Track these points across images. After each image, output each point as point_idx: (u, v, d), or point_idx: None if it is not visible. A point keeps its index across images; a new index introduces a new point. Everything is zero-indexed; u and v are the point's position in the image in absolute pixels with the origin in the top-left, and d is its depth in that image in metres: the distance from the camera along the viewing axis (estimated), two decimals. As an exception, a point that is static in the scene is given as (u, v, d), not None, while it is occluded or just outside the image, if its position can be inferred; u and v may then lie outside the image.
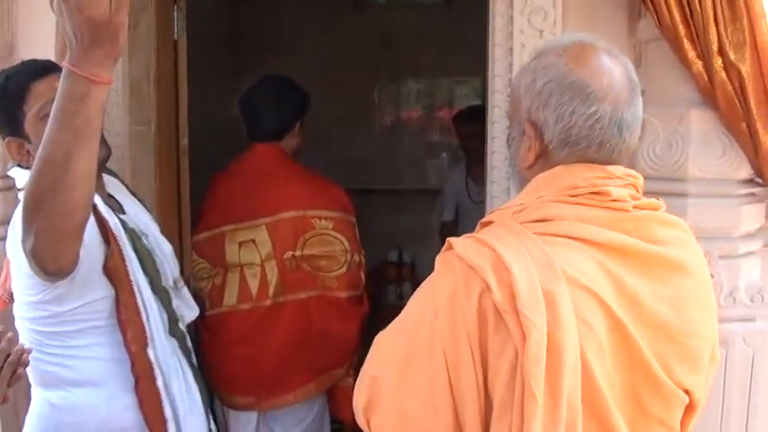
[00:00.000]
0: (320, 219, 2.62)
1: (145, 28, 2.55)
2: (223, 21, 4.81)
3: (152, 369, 1.73)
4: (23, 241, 1.40)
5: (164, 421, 1.74)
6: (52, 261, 1.42)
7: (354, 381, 2.66)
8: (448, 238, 1.15)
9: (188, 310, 2.05)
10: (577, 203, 1.13)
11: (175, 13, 2.75)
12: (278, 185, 2.62)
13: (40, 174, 1.29)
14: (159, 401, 1.74)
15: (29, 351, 1.46)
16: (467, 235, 1.17)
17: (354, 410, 1.15)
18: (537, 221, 1.13)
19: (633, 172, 1.19)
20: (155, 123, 2.50)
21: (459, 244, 1.12)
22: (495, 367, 1.03)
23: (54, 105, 1.23)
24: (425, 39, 5.23)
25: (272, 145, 2.68)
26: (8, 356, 1.43)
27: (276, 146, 2.69)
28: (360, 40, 5.28)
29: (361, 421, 1.14)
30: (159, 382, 1.74)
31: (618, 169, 1.17)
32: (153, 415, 1.73)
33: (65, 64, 1.18)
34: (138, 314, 1.72)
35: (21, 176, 1.69)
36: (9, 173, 1.80)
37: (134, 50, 2.46)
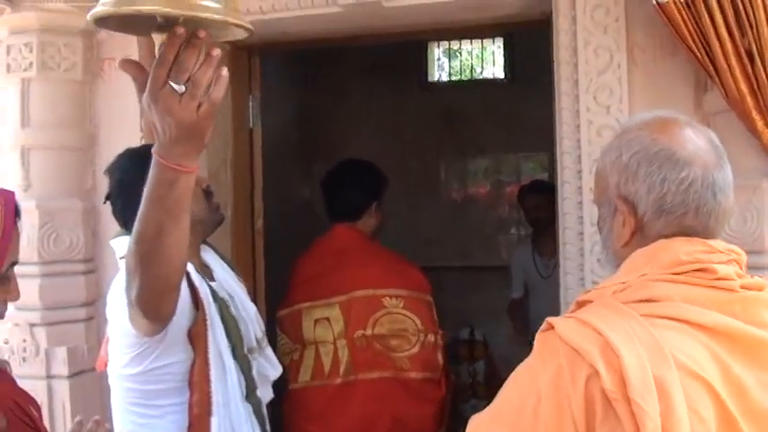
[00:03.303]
0: (390, 297, 2.63)
1: (221, 118, 2.68)
2: (294, 107, 4.99)
3: None
4: (128, 292, 1.53)
5: None
6: (152, 310, 1.58)
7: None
8: (547, 318, 1.11)
9: (272, 369, 2.11)
10: (683, 282, 1.09)
11: (251, 103, 2.89)
12: (353, 265, 2.64)
13: (137, 246, 1.40)
14: None
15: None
16: (566, 314, 1.14)
17: None
18: (642, 302, 1.09)
19: (735, 248, 1.16)
20: (231, 207, 2.60)
21: (561, 324, 1.08)
22: None
23: (146, 188, 1.31)
24: (490, 115, 5.30)
25: (349, 225, 2.73)
26: None
27: (353, 226, 2.73)
28: (425, 119, 5.39)
29: None
30: None
31: (719, 244, 1.14)
32: None
33: (154, 154, 1.26)
34: (208, 381, 1.78)
35: (120, 246, 1.82)
36: (111, 242, 1.95)
37: (211, 139, 2.53)
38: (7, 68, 2.51)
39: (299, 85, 5.12)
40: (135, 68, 1.14)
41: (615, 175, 1.18)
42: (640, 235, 1.17)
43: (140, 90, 1.12)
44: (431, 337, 2.66)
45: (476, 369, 4.71)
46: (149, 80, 1.10)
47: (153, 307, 1.56)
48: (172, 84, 1.09)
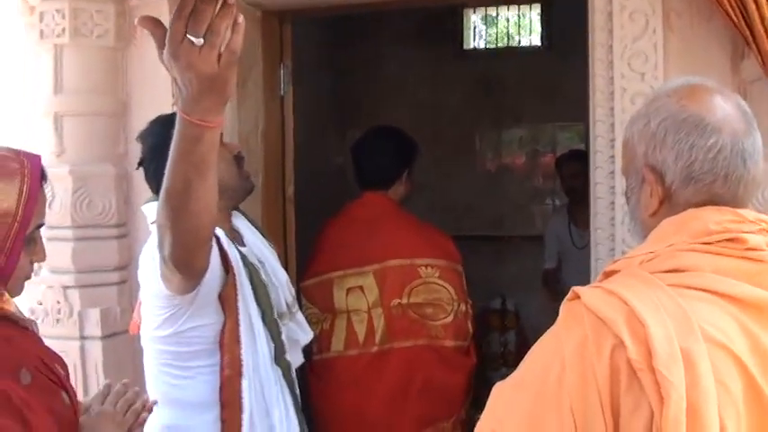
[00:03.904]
0: (426, 267, 2.63)
1: (253, 85, 2.68)
2: (327, 74, 4.97)
3: (240, 397, 1.82)
4: (160, 249, 1.56)
5: None
6: (185, 265, 1.60)
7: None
8: (573, 287, 1.10)
9: (303, 334, 2.16)
10: (712, 252, 1.07)
11: (282, 71, 2.88)
12: (386, 233, 2.64)
13: (166, 203, 1.42)
14: (240, 431, 1.81)
15: (154, 402, 1.61)
16: (593, 284, 1.12)
17: None
18: (670, 272, 1.06)
19: (766, 217, 1.12)
20: (262, 174, 2.61)
21: (587, 294, 1.07)
22: (627, 427, 0.96)
23: (172, 145, 1.32)
24: (527, 85, 5.22)
25: (380, 193, 2.72)
26: (132, 404, 1.56)
27: (384, 194, 2.73)
28: (461, 88, 5.33)
29: None
30: (245, 412, 1.81)
31: (749, 213, 1.11)
32: None
33: (177, 111, 1.26)
34: (238, 343, 1.82)
35: (152, 212, 1.84)
36: (142, 208, 1.98)
37: (243, 106, 2.59)
38: (40, 35, 2.52)
39: (334, 53, 5.09)
40: (153, 24, 1.13)
41: (643, 143, 1.16)
42: (668, 204, 1.14)
43: (160, 47, 1.12)
44: (463, 306, 2.68)
45: (507, 339, 4.71)
46: (168, 35, 1.09)
47: (185, 262, 1.59)
48: (190, 37, 1.08)
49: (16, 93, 2.75)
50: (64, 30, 2.49)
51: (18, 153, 1.35)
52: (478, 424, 1.11)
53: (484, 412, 1.11)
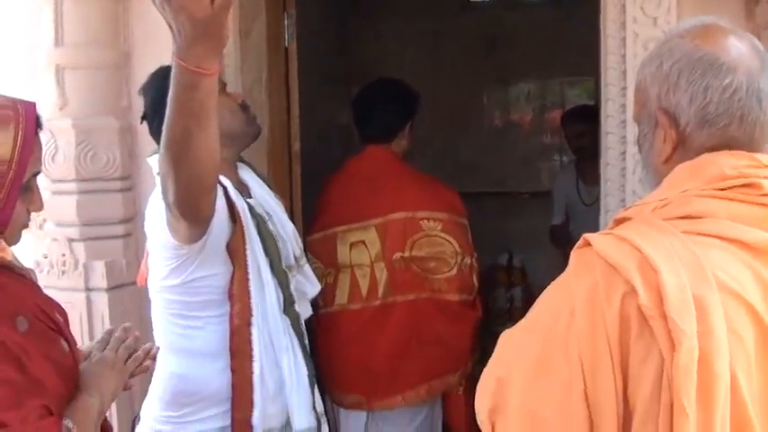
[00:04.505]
0: (428, 220, 2.61)
1: (256, 35, 2.63)
2: (331, 27, 4.90)
3: (250, 347, 1.83)
4: (165, 197, 1.57)
5: (250, 400, 1.83)
6: (190, 212, 1.61)
7: (465, 389, 2.65)
8: (584, 235, 1.08)
9: (310, 286, 2.17)
10: (727, 198, 1.04)
11: (286, 21, 2.83)
12: (389, 187, 2.63)
13: (166, 151, 1.42)
14: (250, 380, 1.83)
15: (157, 348, 1.63)
16: (604, 231, 1.10)
17: (477, 413, 1.09)
18: (683, 218, 1.04)
19: None
20: (267, 128, 2.57)
21: (598, 241, 1.05)
22: (636, 375, 0.95)
23: (170, 93, 1.31)
24: (534, 39, 5.13)
25: (383, 147, 2.70)
26: (134, 352, 1.56)
27: (387, 147, 2.70)
28: (467, 42, 5.25)
29: (484, 425, 1.08)
30: (255, 361, 1.83)
31: (766, 158, 1.08)
32: (241, 390, 1.83)
33: (173, 57, 1.23)
34: (248, 293, 1.84)
35: (156, 163, 1.84)
36: (147, 160, 1.97)
37: (246, 57, 2.54)
38: (40, -14, 2.48)
39: (338, 6, 5.01)
40: None
41: (656, 86, 1.12)
42: (682, 149, 1.11)
43: None
44: (467, 260, 2.66)
45: (513, 295, 4.71)
46: None
47: (190, 208, 1.59)
48: None
49: (18, 47, 2.71)
50: (63, -19, 2.44)
51: (13, 100, 1.33)
52: (486, 369, 1.11)
53: (491, 358, 1.11)
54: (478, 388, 1.09)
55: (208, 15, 1.11)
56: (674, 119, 1.10)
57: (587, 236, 1.07)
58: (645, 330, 0.95)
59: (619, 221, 1.14)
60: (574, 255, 1.07)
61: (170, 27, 1.16)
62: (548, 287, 1.10)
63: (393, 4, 5.24)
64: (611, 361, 0.96)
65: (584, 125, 3.65)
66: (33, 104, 1.36)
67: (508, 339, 1.10)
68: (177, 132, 1.36)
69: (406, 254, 2.59)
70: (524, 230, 4.91)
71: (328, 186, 2.78)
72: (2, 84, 2.58)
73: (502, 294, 4.74)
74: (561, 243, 3.88)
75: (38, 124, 1.35)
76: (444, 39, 5.24)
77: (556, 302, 1.05)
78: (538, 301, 1.09)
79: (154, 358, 1.64)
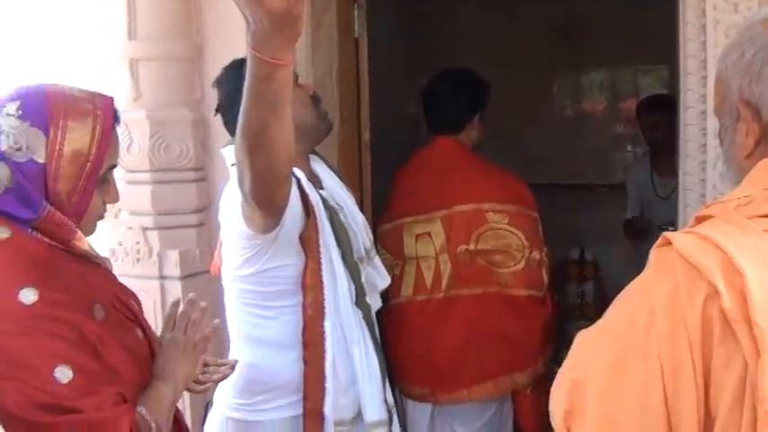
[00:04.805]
0: (494, 212, 2.56)
1: (327, 27, 2.63)
2: (401, 17, 4.88)
3: (323, 338, 1.86)
4: (241, 186, 1.60)
5: (322, 391, 1.85)
6: (266, 201, 1.64)
7: (536, 389, 2.59)
8: (664, 233, 1.03)
9: (380, 279, 2.18)
10: None
11: (356, 12, 2.83)
12: (456, 178, 2.59)
13: (242, 141, 1.44)
14: (322, 371, 1.85)
15: (235, 361, 1.68)
16: (685, 229, 1.04)
17: (551, 415, 1.05)
18: (766, 217, 0.98)
19: None
20: (337, 119, 2.58)
21: (679, 239, 1.00)
22: (718, 382, 0.91)
23: (245, 83, 1.32)
24: (607, 26, 5.00)
25: (451, 138, 2.66)
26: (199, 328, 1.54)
27: (456, 138, 2.66)
28: (538, 30, 5.15)
29: (558, 428, 1.04)
30: (327, 352, 1.85)
31: None
32: (314, 381, 1.85)
33: (248, 48, 1.24)
34: (321, 284, 1.86)
35: (231, 154, 1.87)
36: (221, 151, 2.02)
37: (317, 49, 2.55)
38: (112, -19, 2.54)
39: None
40: None
41: (737, 77, 1.06)
42: (765, 144, 1.04)
43: None
44: (536, 254, 2.60)
45: (584, 290, 4.60)
46: None
47: (265, 198, 1.62)
48: None
49: (93, 41, 2.79)
50: (136, -25, 2.49)
51: (91, 94, 1.36)
52: (560, 371, 1.07)
53: (566, 359, 1.07)
54: (553, 389, 1.06)
55: (284, 7, 1.11)
56: (757, 111, 1.04)
57: (668, 234, 1.02)
58: (728, 335, 0.90)
59: (700, 219, 1.08)
60: (653, 254, 1.03)
61: (246, 19, 1.16)
62: (626, 287, 1.05)
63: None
64: (693, 365, 0.91)
65: (659, 115, 3.54)
66: (111, 99, 1.39)
67: (584, 340, 1.06)
68: (253, 123, 1.38)
69: (471, 247, 2.55)
70: (596, 223, 4.80)
71: (397, 178, 2.77)
72: (78, 77, 2.66)
73: (573, 289, 4.63)
74: (636, 236, 3.78)
75: (115, 118, 1.37)
76: (515, 27, 5.14)
77: (635, 303, 1.00)
78: (615, 301, 1.05)
79: (232, 368, 1.68)
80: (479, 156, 2.72)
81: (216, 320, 1.63)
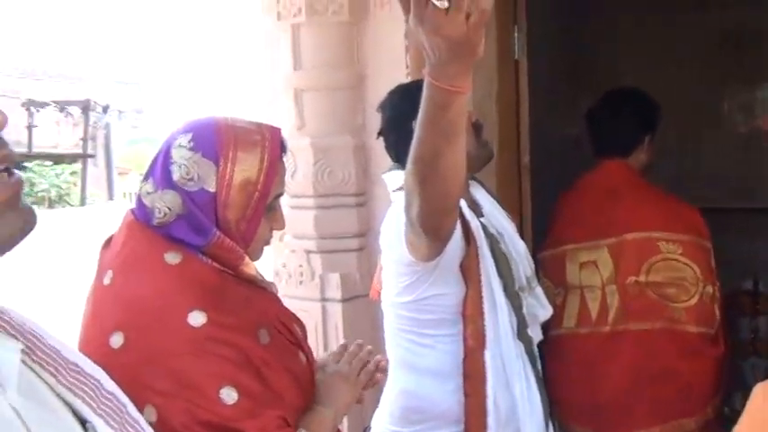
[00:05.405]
0: (668, 242, 2.41)
1: (486, 51, 2.60)
2: (559, 36, 4.77)
3: (484, 369, 1.81)
4: (407, 212, 1.59)
5: (483, 426, 1.79)
6: (432, 228, 1.62)
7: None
8: None
9: (542, 309, 2.12)
10: None
11: (516, 34, 2.79)
12: (624, 205, 2.47)
13: (414, 169, 1.44)
14: (484, 404, 1.80)
15: (386, 361, 1.62)
16: None
17: None
18: None
19: None
20: (496, 142, 2.54)
21: None
22: None
23: (420, 112, 1.31)
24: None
25: (619, 161, 2.54)
26: (366, 364, 1.56)
27: (624, 162, 2.54)
28: (703, 41, 4.86)
29: None
30: (488, 385, 1.80)
31: None
32: (475, 414, 1.80)
33: (425, 77, 1.23)
34: (482, 314, 1.82)
35: (392, 180, 1.92)
36: (383, 176, 2.04)
37: (476, 72, 2.49)
38: (278, 16, 2.65)
39: (566, 13, 4.86)
40: None
41: None
42: None
43: (406, 11, 1.09)
44: (709, 289, 2.42)
45: (758, 324, 4.24)
46: (413, 0, 1.06)
47: (433, 226, 1.61)
48: (434, 1, 1.04)
49: (258, 73, 2.92)
50: (300, 9, 2.59)
51: (260, 125, 1.40)
52: (737, 429, 0.96)
53: (743, 416, 0.96)
54: None
55: (462, 35, 1.10)
56: None
57: None
58: None
59: None
60: None
61: (423, 47, 1.16)
62: None
63: (621, 7, 4.99)
64: None
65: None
66: (278, 130, 1.42)
67: (764, 397, 0.95)
68: (426, 151, 1.37)
69: (642, 278, 2.40)
70: (773, 251, 4.44)
71: (560, 202, 2.68)
72: (244, 107, 2.80)
73: (745, 324, 4.28)
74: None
75: (282, 149, 1.41)
76: (678, 39, 4.89)
77: None
78: None
79: (384, 371, 1.63)
80: (648, 181, 2.58)
81: (379, 356, 1.63)
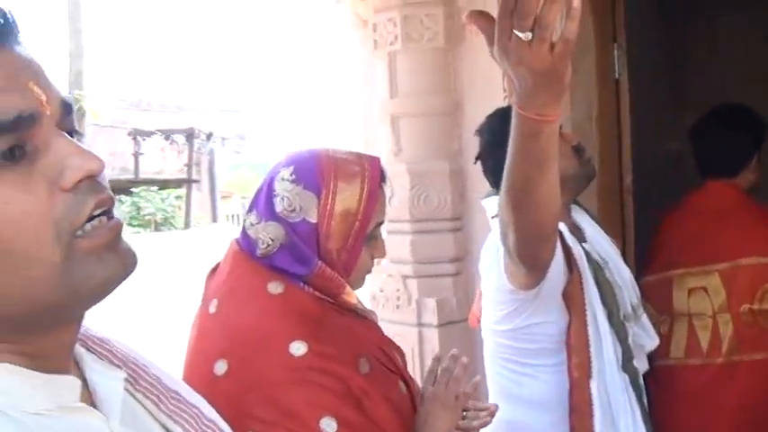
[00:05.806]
0: None
1: (585, 70, 2.56)
2: (660, 52, 4.62)
3: (590, 402, 1.75)
4: (504, 241, 1.58)
5: None
6: (529, 257, 1.59)
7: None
8: None
9: (648, 339, 2.05)
10: None
11: (615, 52, 2.72)
12: (736, 228, 2.34)
13: (507, 198, 1.43)
14: None
15: (496, 407, 1.58)
16: None
17: None
18: None
19: None
20: (597, 162, 2.47)
21: None
22: None
23: (510, 141, 1.30)
24: None
25: (727, 182, 2.42)
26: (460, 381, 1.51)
27: (732, 183, 2.42)
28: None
29: None
30: (596, 418, 1.74)
31: None
32: None
33: (514, 107, 1.22)
34: (587, 344, 1.77)
35: (491, 206, 1.89)
36: (482, 202, 2.02)
37: (575, 93, 2.49)
38: (374, 45, 2.70)
39: (667, 29, 4.70)
40: (483, 20, 1.10)
41: None
42: None
43: (490, 43, 1.08)
44: (825, 317, 2.27)
45: None
46: (496, 32, 1.05)
47: (530, 254, 1.58)
48: (517, 33, 1.02)
49: (356, 100, 2.97)
50: (396, 37, 2.63)
51: (359, 156, 1.42)
52: None
53: None
54: None
55: (548, 66, 1.08)
56: None
57: None
58: None
59: None
60: None
61: (509, 78, 1.15)
62: None
63: (723, 22, 4.78)
64: None
65: None
66: (378, 159, 1.44)
67: None
68: (518, 180, 1.36)
69: (755, 306, 2.27)
70: None
71: (664, 225, 2.56)
72: (342, 133, 2.85)
73: None
74: None
75: (382, 178, 1.42)
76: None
77: None
78: None
79: (492, 414, 1.59)
80: (756, 201, 2.45)
81: (477, 377, 1.60)
